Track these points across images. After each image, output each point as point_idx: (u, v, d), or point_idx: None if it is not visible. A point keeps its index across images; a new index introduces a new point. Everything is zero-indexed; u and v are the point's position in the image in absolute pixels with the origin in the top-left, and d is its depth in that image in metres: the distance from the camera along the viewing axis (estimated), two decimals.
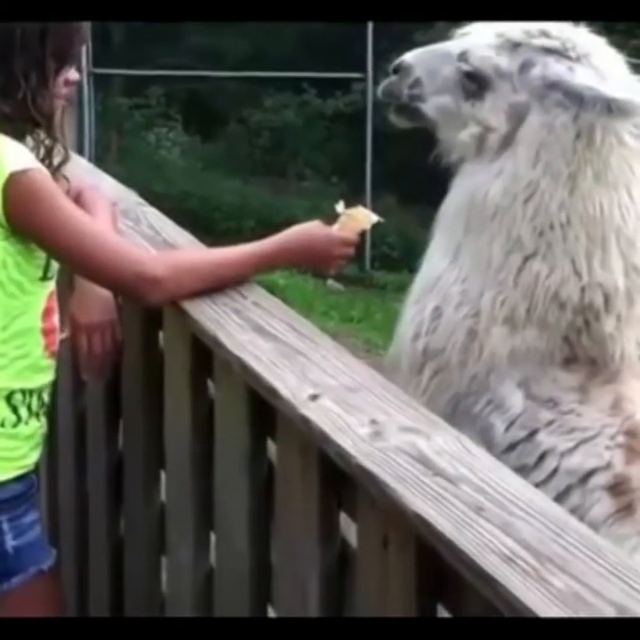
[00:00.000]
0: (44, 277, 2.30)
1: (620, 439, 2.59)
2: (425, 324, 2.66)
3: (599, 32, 2.62)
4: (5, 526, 2.30)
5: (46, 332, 2.34)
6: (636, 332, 2.63)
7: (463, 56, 2.60)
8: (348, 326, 8.74)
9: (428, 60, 2.67)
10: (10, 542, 2.30)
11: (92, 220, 2.27)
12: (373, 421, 1.87)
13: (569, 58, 2.51)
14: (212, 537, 2.38)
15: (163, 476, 2.58)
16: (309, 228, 2.43)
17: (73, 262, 2.28)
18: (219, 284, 2.28)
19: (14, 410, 2.30)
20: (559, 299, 2.55)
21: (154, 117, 13.23)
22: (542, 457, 2.58)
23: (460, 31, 2.73)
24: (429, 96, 2.65)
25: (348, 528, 1.94)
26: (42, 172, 2.21)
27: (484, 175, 2.58)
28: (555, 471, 2.56)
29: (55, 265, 2.31)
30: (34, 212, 2.17)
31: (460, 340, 2.60)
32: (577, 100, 2.46)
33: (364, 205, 2.47)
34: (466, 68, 2.59)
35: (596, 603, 1.40)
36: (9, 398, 2.29)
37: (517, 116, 2.54)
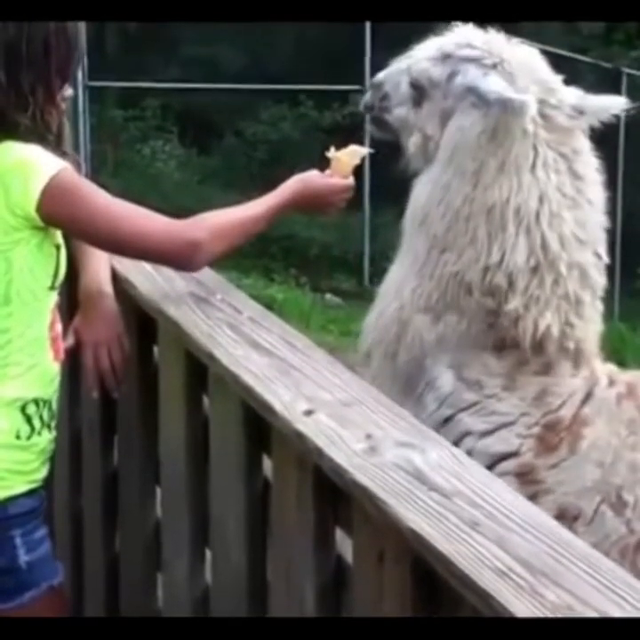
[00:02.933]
0: (52, 287, 2.33)
1: (536, 430, 2.67)
2: (372, 321, 2.88)
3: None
4: (18, 541, 2.29)
5: (52, 341, 2.35)
6: (555, 313, 2.67)
7: (408, 69, 2.84)
8: (346, 340, 8.73)
9: (394, 75, 2.91)
10: (23, 557, 2.29)
11: (122, 202, 2.33)
12: (368, 436, 1.87)
13: (485, 65, 2.71)
14: (208, 553, 2.37)
15: (158, 491, 2.58)
16: (310, 179, 2.54)
17: (117, 244, 2.32)
18: (244, 240, 2.40)
19: (28, 420, 2.30)
20: (465, 283, 2.69)
21: (149, 130, 13.21)
22: (462, 437, 2.69)
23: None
24: (393, 108, 2.89)
25: (344, 543, 1.94)
26: (70, 169, 2.27)
27: (419, 183, 2.80)
28: (470, 452, 2.63)
29: (61, 275, 2.34)
30: (73, 205, 2.23)
31: (393, 331, 2.78)
32: (485, 101, 2.66)
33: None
34: (409, 79, 2.83)
35: (589, 616, 1.40)
36: (24, 408, 2.30)
37: (446, 123, 2.74)
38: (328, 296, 10.30)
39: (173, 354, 2.40)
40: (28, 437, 2.30)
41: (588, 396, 2.72)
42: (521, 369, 2.71)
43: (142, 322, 2.56)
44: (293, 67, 13.03)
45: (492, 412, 2.70)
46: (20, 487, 2.30)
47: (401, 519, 1.63)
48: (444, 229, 2.70)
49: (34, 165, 2.22)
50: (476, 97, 2.66)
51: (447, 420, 2.73)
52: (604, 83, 10.76)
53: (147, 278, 2.49)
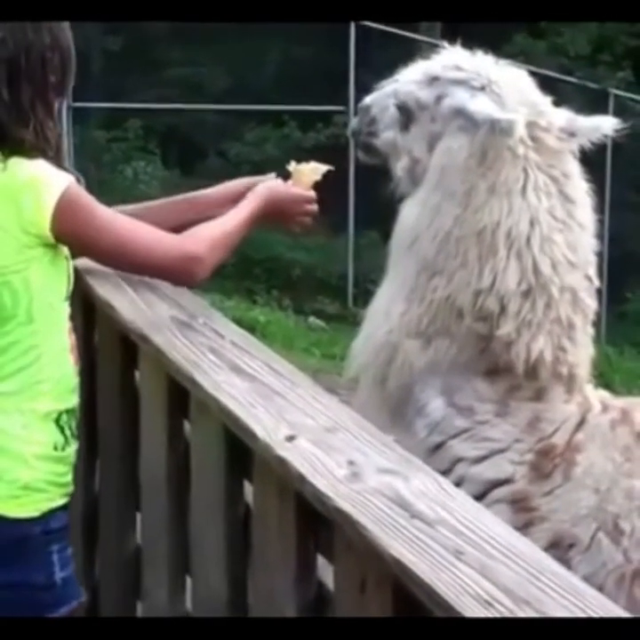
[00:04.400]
0: (66, 297, 2.35)
1: (529, 457, 2.64)
2: (360, 345, 2.84)
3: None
4: (55, 557, 2.28)
5: (71, 349, 2.37)
6: (548, 337, 2.65)
7: (395, 92, 2.82)
8: (329, 363, 8.71)
9: (381, 99, 2.89)
10: (58, 574, 2.28)
11: (124, 217, 2.40)
12: (351, 462, 1.85)
13: (473, 87, 2.70)
14: (189, 580, 2.35)
15: (138, 517, 2.55)
16: (275, 187, 2.66)
17: (121, 259, 2.42)
18: (232, 250, 2.52)
19: (62, 431, 2.32)
20: (455, 307, 2.66)
21: (132, 151, 13.20)
22: (454, 463, 2.66)
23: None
24: (380, 132, 2.86)
25: (326, 570, 1.92)
26: (76, 183, 2.30)
27: (406, 206, 2.76)
28: (462, 479, 2.61)
29: (71, 284, 2.36)
30: (83, 221, 2.29)
31: (382, 356, 2.74)
32: (473, 123, 2.65)
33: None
34: (396, 102, 2.81)
35: None
36: (58, 420, 2.31)
37: (434, 145, 2.73)
38: (311, 319, 10.28)
39: (155, 379, 2.38)
40: (63, 448, 2.32)
41: (581, 423, 2.69)
42: (513, 395, 2.68)
43: (123, 346, 2.54)
44: (277, 87, 13.05)
45: (485, 439, 2.66)
46: (59, 499, 2.31)
47: (383, 547, 1.62)
48: (434, 252, 2.67)
49: (44, 182, 2.24)
50: (465, 119, 2.65)
51: (438, 446, 2.68)
52: (592, 104, 10.81)
53: (128, 302, 2.47)
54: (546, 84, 2.84)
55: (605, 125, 2.69)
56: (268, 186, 2.64)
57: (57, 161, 2.30)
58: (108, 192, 12.50)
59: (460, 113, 2.66)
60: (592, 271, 2.72)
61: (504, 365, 2.66)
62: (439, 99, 2.72)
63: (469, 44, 2.88)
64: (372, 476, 1.80)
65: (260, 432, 1.95)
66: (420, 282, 2.69)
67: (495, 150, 2.62)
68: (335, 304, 10.84)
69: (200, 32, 13.63)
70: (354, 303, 11.01)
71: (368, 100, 2.91)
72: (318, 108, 11.85)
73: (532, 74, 2.83)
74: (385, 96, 2.86)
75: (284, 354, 4.38)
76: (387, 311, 2.76)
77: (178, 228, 2.51)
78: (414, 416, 2.71)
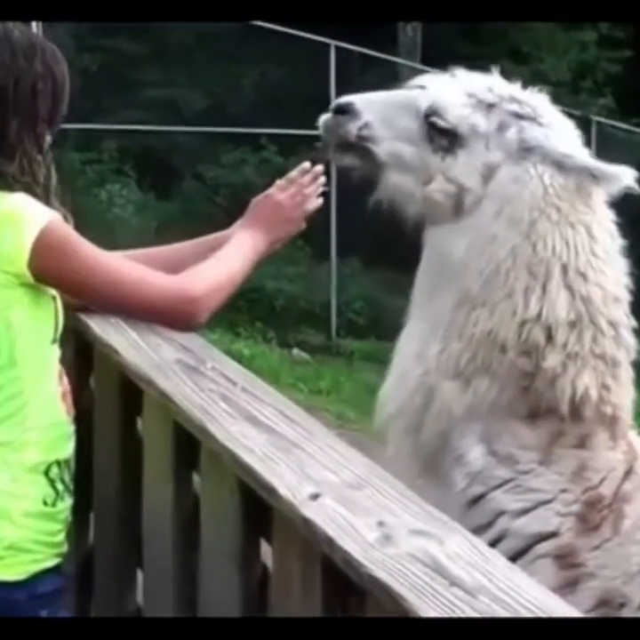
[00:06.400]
0: (54, 340, 2.20)
1: (575, 508, 2.53)
2: (391, 389, 2.68)
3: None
4: None
5: (63, 397, 2.22)
6: (593, 374, 2.57)
7: (436, 111, 2.68)
8: (318, 399, 8.65)
9: (379, 106, 2.77)
10: None
11: (115, 256, 2.22)
12: (381, 523, 1.74)
13: (540, 124, 2.67)
14: None
15: (139, 575, 2.40)
16: (263, 195, 2.43)
17: (114, 302, 2.20)
18: (234, 289, 2.27)
19: (52, 484, 2.16)
20: (498, 341, 2.56)
21: (106, 173, 13.04)
22: (496, 516, 2.55)
23: (412, 83, 2.83)
24: (383, 140, 2.71)
25: None
26: (60, 219, 2.14)
27: (452, 236, 2.65)
28: (505, 533, 2.53)
29: (60, 326, 2.21)
30: (65, 260, 2.11)
31: (417, 401, 2.61)
32: (555, 164, 2.60)
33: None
34: (442, 123, 2.66)
35: None
36: (47, 472, 2.16)
37: (489, 175, 2.65)
38: (295, 351, 10.17)
39: (160, 426, 2.25)
40: (54, 503, 2.16)
41: (628, 472, 2.59)
42: (557, 441, 2.57)
43: (124, 390, 2.41)
44: (255, 109, 12.95)
45: (529, 489, 2.54)
46: (49, 561, 2.16)
47: (422, 617, 1.51)
48: (480, 282, 2.57)
49: (23, 216, 2.09)
50: (542, 158, 2.60)
51: (478, 498, 2.56)
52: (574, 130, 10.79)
53: (131, 344, 2.34)
54: None
55: (627, 175, 2.63)
56: (254, 200, 2.43)
57: (44, 197, 2.15)
58: (81, 216, 12.28)
59: (534, 150, 2.61)
60: (627, 309, 2.67)
61: (547, 407, 2.55)
62: (501, 129, 2.64)
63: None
64: (405, 539, 1.70)
65: (282, 489, 1.83)
66: (459, 316, 2.59)
67: (579, 190, 2.59)
68: (319, 335, 10.73)
69: (176, 52, 13.57)
70: (337, 334, 10.91)
71: (358, 102, 2.74)
72: (299, 131, 11.73)
73: None
74: (386, 103, 2.74)
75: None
76: (419, 352, 2.63)
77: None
78: (452, 465, 2.58)
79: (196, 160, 12.93)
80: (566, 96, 13.41)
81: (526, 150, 2.62)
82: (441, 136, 2.66)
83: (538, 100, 2.72)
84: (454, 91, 2.71)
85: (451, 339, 2.58)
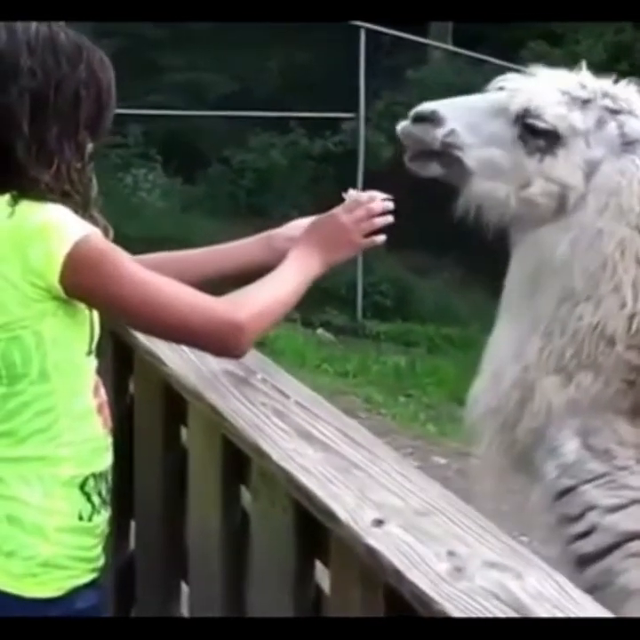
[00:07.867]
0: (89, 352, 2.09)
1: None
2: (485, 388, 2.65)
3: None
4: None
5: (100, 409, 2.13)
6: None
7: (531, 113, 2.63)
8: (344, 382, 8.45)
9: (464, 113, 2.72)
10: None
11: (158, 276, 2.07)
12: (451, 553, 1.63)
13: (637, 117, 2.65)
14: None
15: (184, 589, 2.31)
16: (318, 221, 2.28)
17: (152, 322, 2.06)
18: (286, 312, 2.17)
19: (88, 498, 2.07)
20: (605, 334, 2.52)
21: (132, 158, 12.91)
22: (585, 510, 2.52)
23: (494, 86, 2.76)
24: (471, 147, 2.68)
25: None
26: (98, 233, 2.03)
27: (553, 235, 2.61)
28: (594, 527, 2.49)
29: (96, 337, 2.11)
30: (98, 274, 2.00)
31: (515, 397, 2.58)
32: None
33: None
34: (540, 124, 2.62)
35: None
36: (83, 486, 2.07)
37: (591, 171, 2.62)
38: (320, 331, 10.00)
39: (208, 439, 2.14)
40: (90, 518, 2.07)
41: None
42: None
43: (168, 399, 2.30)
44: (282, 93, 12.81)
45: (623, 486, 2.50)
46: (85, 576, 2.07)
47: None
48: (585, 278, 2.54)
49: (57, 229, 1.98)
50: None
51: (568, 490, 2.53)
52: None
53: (177, 354, 2.23)
54: None
55: None
56: (309, 220, 2.30)
57: (83, 207, 2.05)
58: (106, 201, 12.20)
59: (634, 142, 2.60)
60: None
61: None
62: (600, 124, 2.62)
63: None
64: (479, 571, 1.59)
65: (341, 514, 1.72)
66: (561, 313, 2.56)
67: None
68: (344, 316, 10.57)
69: (201, 36, 13.43)
70: (363, 315, 10.75)
71: (442, 109, 2.69)
72: (327, 114, 11.58)
73: None
74: (471, 110, 2.70)
75: (296, 371, 4.14)
76: (517, 350, 2.59)
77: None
78: (545, 458, 2.56)
79: (222, 144, 12.80)
80: (601, 79, 13.20)
81: (628, 144, 2.62)
82: (536, 137, 2.63)
83: (628, 93, 2.69)
84: (548, 90, 2.66)
85: (552, 335, 2.55)
